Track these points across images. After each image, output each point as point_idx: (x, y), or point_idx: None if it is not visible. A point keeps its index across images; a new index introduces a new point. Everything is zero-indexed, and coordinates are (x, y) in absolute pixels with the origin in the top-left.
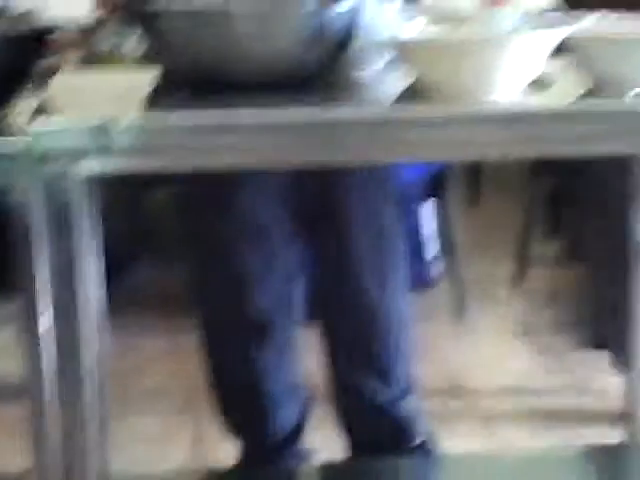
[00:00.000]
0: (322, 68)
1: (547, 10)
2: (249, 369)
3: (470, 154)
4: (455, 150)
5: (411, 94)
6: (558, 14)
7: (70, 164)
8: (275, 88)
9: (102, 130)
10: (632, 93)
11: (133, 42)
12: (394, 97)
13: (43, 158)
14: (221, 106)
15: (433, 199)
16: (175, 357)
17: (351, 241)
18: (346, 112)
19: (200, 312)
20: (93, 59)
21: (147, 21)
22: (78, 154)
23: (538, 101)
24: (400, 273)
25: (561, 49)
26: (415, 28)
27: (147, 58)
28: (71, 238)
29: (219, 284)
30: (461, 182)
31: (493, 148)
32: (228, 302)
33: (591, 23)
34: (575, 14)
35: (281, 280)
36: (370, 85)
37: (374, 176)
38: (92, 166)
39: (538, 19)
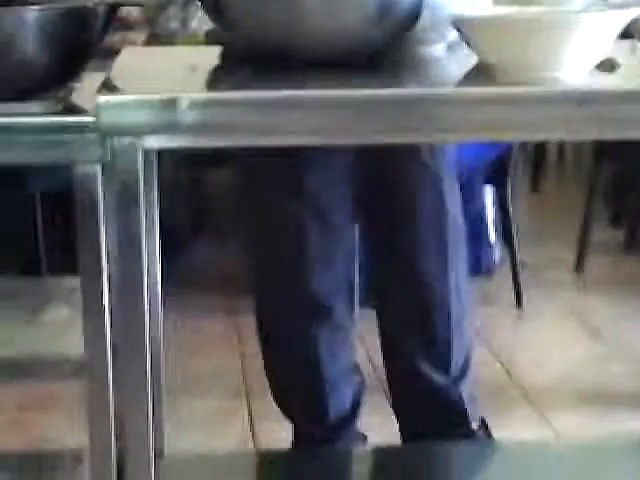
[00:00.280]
0: (387, 45)
1: None
2: (306, 351)
3: (536, 134)
4: (521, 130)
5: (477, 73)
6: None
7: (135, 140)
8: (340, 65)
9: (167, 106)
10: None
11: (198, 20)
12: (460, 76)
13: (108, 133)
14: (286, 83)
15: (495, 184)
16: (233, 338)
17: (412, 224)
18: (411, 90)
19: (260, 292)
20: (159, 36)
21: None
22: (143, 130)
23: (606, 82)
24: (461, 258)
25: (628, 32)
26: (482, 6)
27: (212, 36)
28: (136, 214)
29: (281, 263)
30: (523, 167)
31: (560, 128)
32: (289, 282)
33: None
34: None
35: (342, 262)
36: (436, 63)
37: (438, 159)
38: (157, 142)
39: (606, 0)
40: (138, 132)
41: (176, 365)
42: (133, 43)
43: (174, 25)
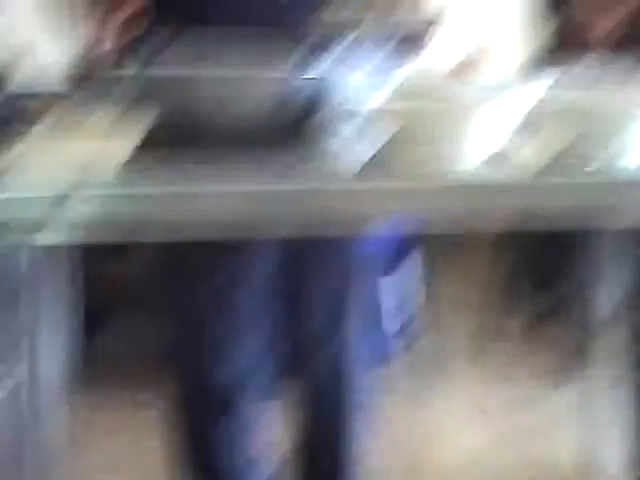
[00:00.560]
0: (290, 135)
1: (531, 60)
2: (211, 443)
3: (433, 227)
4: (417, 222)
5: (377, 163)
6: (523, 83)
7: (30, 234)
8: (241, 155)
9: (63, 200)
10: (593, 166)
11: (106, 109)
12: (359, 167)
13: (2, 227)
14: (184, 175)
15: (395, 271)
16: (137, 432)
17: (313, 317)
18: (311, 182)
19: (168, 381)
20: (64, 126)
21: (117, 85)
22: (38, 224)
23: (500, 173)
24: (361, 348)
25: (527, 120)
26: (382, 97)
27: (120, 124)
28: (30, 308)
29: (187, 355)
30: (419, 256)
31: (456, 221)
32: (194, 374)
33: (553, 92)
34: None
35: (250, 353)
36: (337, 153)
37: (337, 249)
38: (52, 237)
39: (503, 90)
40: (33, 227)
41: (76, 458)
42: (37, 132)
43: (82, 114)
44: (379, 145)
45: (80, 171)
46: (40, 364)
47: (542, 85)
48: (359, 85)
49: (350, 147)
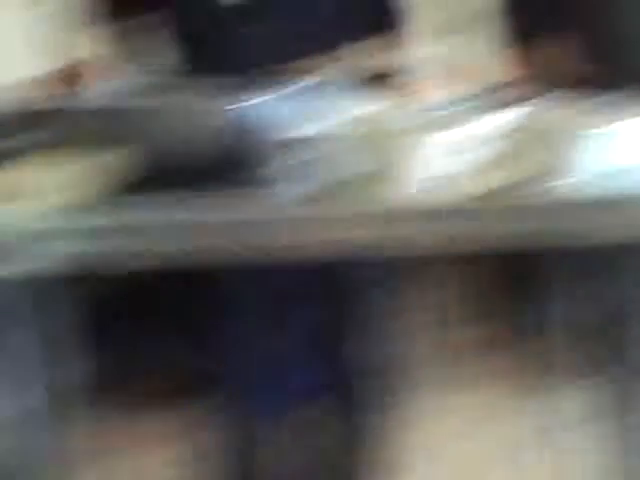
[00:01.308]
0: (232, 165)
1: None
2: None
3: (384, 251)
4: (368, 248)
5: (320, 191)
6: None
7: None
8: (180, 187)
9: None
10: (540, 188)
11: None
12: (303, 195)
13: None
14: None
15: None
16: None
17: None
18: (256, 211)
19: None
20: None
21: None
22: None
23: (443, 197)
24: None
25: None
26: (325, 124)
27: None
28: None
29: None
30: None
31: (410, 244)
32: None
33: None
34: None
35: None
36: (280, 182)
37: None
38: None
39: (447, 116)
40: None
41: None
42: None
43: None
44: (321, 173)
45: (51, 201)
46: None
47: (490, 109)
48: (298, 114)
49: (291, 176)
